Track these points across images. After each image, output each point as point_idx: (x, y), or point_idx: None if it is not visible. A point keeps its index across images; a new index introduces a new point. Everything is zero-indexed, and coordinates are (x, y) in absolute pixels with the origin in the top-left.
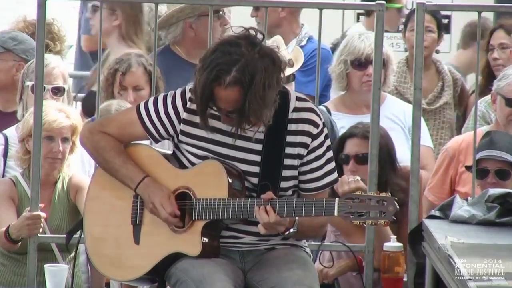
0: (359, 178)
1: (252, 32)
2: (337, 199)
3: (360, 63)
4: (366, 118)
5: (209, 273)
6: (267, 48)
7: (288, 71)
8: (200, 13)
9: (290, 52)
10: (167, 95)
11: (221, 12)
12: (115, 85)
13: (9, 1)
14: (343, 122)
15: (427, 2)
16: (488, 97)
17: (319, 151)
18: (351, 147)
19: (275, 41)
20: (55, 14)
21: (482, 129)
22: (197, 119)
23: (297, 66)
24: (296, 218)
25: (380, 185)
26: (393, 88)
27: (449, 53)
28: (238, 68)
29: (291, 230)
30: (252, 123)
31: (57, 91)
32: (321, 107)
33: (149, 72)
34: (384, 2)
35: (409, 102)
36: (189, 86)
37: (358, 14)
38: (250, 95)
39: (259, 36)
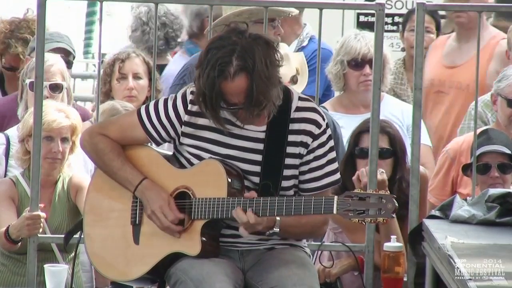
0: (383, 171)
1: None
2: (336, 196)
3: (357, 63)
4: (363, 118)
5: (209, 274)
6: (255, 33)
7: (294, 87)
8: (256, 20)
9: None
10: (167, 98)
11: (276, 22)
12: (114, 76)
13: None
14: (341, 122)
15: (427, 2)
16: (485, 96)
17: (319, 151)
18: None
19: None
20: (53, 14)
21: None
22: (198, 120)
23: (301, 86)
24: (277, 218)
25: (392, 180)
26: (389, 89)
27: None
28: (237, 56)
29: (273, 230)
30: (262, 106)
31: (56, 88)
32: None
33: (148, 63)
34: (384, 2)
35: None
36: (190, 88)
37: (358, 14)
38: (256, 77)
39: (243, 25)
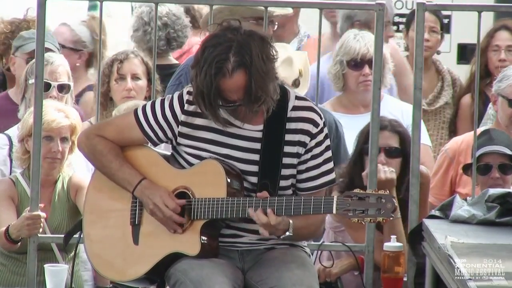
0: (393, 170)
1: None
2: (335, 196)
3: (356, 63)
4: (363, 118)
5: (208, 275)
6: (249, 29)
7: (297, 90)
8: (239, 18)
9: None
10: (164, 99)
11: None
12: (112, 76)
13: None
14: (340, 122)
15: (427, 2)
16: None
17: (316, 150)
18: (381, 140)
19: (287, 59)
20: (52, 15)
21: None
22: (195, 120)
23: (304, 89)
24: (290, 221)
25: (401, 180)
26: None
27: (449, 53)
28: (234, 52)
29: (287, 233)
30: (261, 101)
31: (63, 89)
32: (322, 106)
33: (146, 64)
34: (384, 2)
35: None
36: (186, 88)
37: None
38: (254, 73)
39: (235, 22)
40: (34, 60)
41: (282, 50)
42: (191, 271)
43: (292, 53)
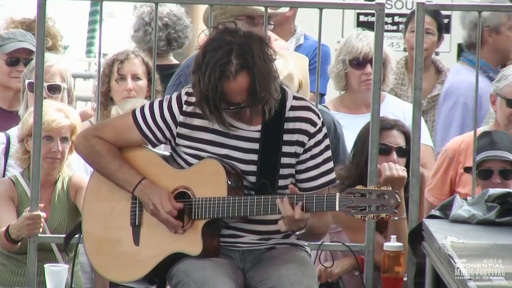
0: (405, 168)
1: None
2: (337, 193)
3: (359, 62)
4: (365, 118)
5: (211, 276)
6: (247, 30)
7: None
8: (234, 18)
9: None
10: (162, 99)
11: (256, 20)
12: (112, 77)
13: None
14: (342, 122)
15: (427, 2)
16: None
17: (315, 150)
18: (392, 138)
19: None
20: (52, 14)
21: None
22: (193, 121)
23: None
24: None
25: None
26: (390, 89)
27: (449, 52)
28: (236, 55)
29: (301, 230)
30: (265, 101)
31: (55, 89)
32: (321, 106)
33: (147, 64)
34: (384, 2)
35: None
36: (185, 89)
37: (358, 14)
38: (257, 73)
39: (231, 24)
40: (31, 61)
41: (283, 64)
42: (194, 272)
43: (292, 64)
